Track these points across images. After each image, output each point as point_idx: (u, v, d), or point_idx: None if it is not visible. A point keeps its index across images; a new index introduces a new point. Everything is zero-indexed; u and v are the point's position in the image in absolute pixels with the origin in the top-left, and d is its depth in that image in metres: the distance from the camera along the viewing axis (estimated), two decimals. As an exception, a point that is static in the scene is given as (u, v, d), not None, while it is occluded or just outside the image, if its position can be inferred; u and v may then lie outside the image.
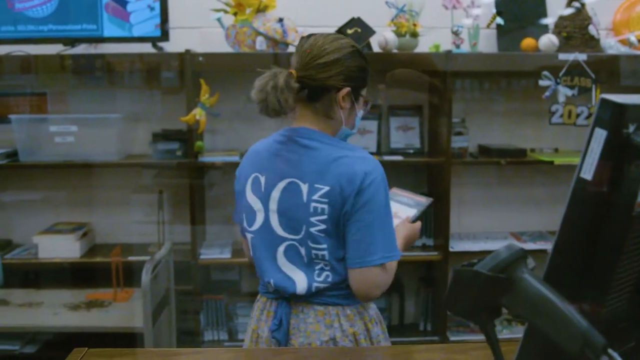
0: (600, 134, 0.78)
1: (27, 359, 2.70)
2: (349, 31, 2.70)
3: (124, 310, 2.52)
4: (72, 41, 2.83)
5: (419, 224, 1.66)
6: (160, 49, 2.83)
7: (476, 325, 0.82)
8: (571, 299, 0.82)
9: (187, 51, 2.72)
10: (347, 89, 1.47)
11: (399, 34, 2.74)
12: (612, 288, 0.83)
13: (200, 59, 2.71)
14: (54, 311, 2.51)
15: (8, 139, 2.90)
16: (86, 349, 1.27)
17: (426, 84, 2.97)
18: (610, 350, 0.71)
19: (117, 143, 2.86)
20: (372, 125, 2.98)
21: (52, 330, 2.54)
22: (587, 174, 0.79)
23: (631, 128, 0.77)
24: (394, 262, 1.45)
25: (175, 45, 2.82)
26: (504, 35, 2.88)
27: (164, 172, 2.98)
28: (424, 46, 2.80)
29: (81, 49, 2.89)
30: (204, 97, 2.71)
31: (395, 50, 2.75)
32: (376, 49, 2.76)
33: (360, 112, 1.56)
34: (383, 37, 2.70)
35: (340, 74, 1.45)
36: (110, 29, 2.80)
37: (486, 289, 0.79)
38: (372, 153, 2.85)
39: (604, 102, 0.77)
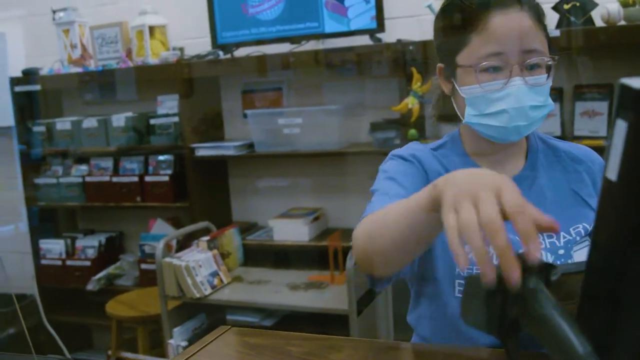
0: (621, 127, 0.66)
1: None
2: (566, 6, 2.50)
3: (338, 293, 2.65)
4: (298, 39, 3.04)
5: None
6: (378, 40, 2.90)
7: (495, 338, 0.75)
8: (608, 327, 0.71)
9: (399, 41, 2.76)
10: (438, 66, 1.25)
11: (625, 3, 2.45)
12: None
13: (411, 47, 2.73)
14: (276, 289, 2.74)
15: (248, 131, 3.23)
16: (230, 326, 1.39)
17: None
18: None
19: (339, 132, 3.00)
20: (602, 106, 2.71)
21: (270, 307, 2.77)
22: (612, 174, 0.68)
23: (661, 119, 0.64)
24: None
25: (392, 35, 2.87)
26: None
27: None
28: (657, 15, 2.47)
29: (310, 45, 3.09)
30: (415, 85, 2.72)
31: (622, 23, 2.47)
32: (599, 22, 2.51)
33: (471, 89, 1.15)
34: (605, 9, 2.44)
35: (435, 48, 1.27)
36: (330, 25, 2.94)
37: (493, 300, 0.72)
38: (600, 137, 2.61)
39: (623, 88, 0.65)
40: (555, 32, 2.49)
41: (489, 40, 1.13)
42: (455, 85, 1.20)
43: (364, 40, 2.91)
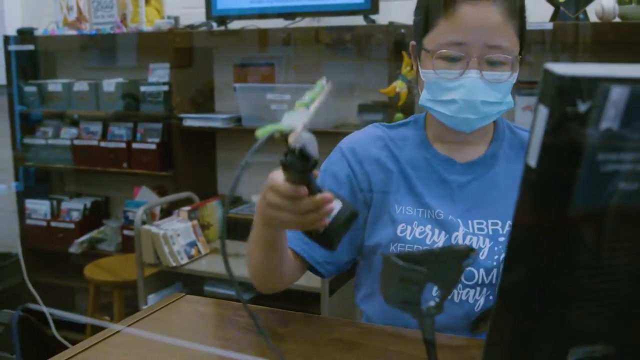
0: (543, 113, 0.65)
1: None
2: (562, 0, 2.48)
3: (313, 271, 2.65)
4: (292, 15, 3.02)
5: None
6: (372, 21, 2.89)
7: (414, 318, 0.75)
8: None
9: (391, 23, 2.74)
10: (411, 44, 1.25)
11: (622, 1, 2.43)
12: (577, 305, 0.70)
13: (402, 30, 2.71)
14: (245, 262, 2.74)
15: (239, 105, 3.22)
16: (184, 294, 1.39)
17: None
18: None
19: (327, 112, 2.99)
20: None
21: (244, 281, 2.76)
22: (532, 160, 0.68)
23: (582, 107, 0.63)
24: None
25: (386, 17, 2.85)
26: None
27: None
28: (651, 14, 2.44)
29: (305, 22, 3.07)
30: (405, 69, 2.70)
31: (617, 20, 2.45)
32: (593, 18, 2.49)
33: (428, 73, 1.15)
34: (600, 5, 2.42)
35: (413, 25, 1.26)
36: (326, 2, 2.92)
37: (409, 279, 0.72)
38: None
39: (546, 73, 0.64)
40: (548, 26, 2.47)
41: (453, 28, 1.12)
42: (419, 66, 1.21)
43: (358, 20, 2.89)
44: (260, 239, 1.10)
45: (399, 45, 2.73)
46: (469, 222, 1.20)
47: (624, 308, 0.72)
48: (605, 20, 2.44)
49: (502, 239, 1.18)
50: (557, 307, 0.71)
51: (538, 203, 0.67)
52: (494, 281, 1.18)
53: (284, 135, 0.90)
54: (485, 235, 1.19)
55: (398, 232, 1.21)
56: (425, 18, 1.17)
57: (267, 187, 0.98)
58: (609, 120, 0.61)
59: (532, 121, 0.66)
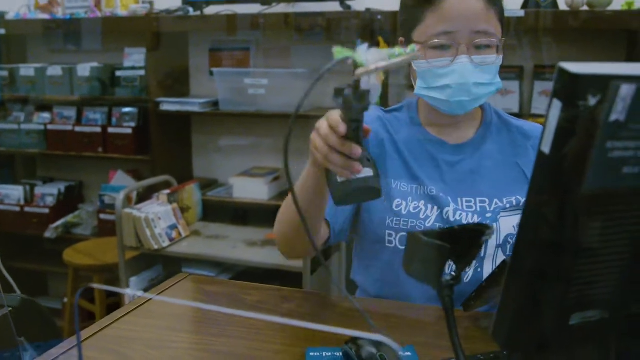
0: (557, 106, 0.73)
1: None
2: (532, -13, 2.57)
3: (293, 252, 2.72)
4: (269, 1, 3.06)
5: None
6: (348, 7, 2.94)
7: (434, 289, 0.83)
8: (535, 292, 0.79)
9: (368, 10, 2.81)
10: (399, 40, 1.32)
11: (589, -10, 2.54)
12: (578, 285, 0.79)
13: (379, 17, 2.78)
14: (233, 245, 2.81)
15: (213, 89, 3.25)
16: (188, 274, 1.45)
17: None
18: None
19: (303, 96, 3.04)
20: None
21: (226, 262, 2.84)
22: (546, 147, 0.76)
23: (592, 100, 0.72)
24: None
25: (362, 3, 2.91)
26: None
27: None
28: (617, 4, 2.56)
29: (280, 7, 3.11)
30: (381, 54, 2.77)
31: (585, 8, 2.56)
32: (563, 6, 2.59)
33: (421, 63, 1.23)
34: (570, -7, 2.52)
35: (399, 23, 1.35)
36: (301, -12, 2.97)
37: (431, 255, 0.79)
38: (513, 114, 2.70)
39: (560, 71, 0.73)
40: (520, 13, 2.57)
41: (441, 19, 1.21)
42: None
43: (334, 6, 2.95)
44: (310, 179, 1.18)
45: (375, 31, 2.79)
46: (459, 199, 1.29)
47: (622, 278, 0.81)
48: (574, 9, 2.54)
49: (489, 214, 1.28)
50: (563, 277, 0.80)
51: (550, 185, 0.75)
52: (482, 255, 1.27)
53: (356, 66, 0.92)
54: (474, 212, 1.28)
55: (394, 207, 1.30)
56: (412, 13, 1.26)
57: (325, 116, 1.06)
58: (618, 113, 0.70)
59: (546, 112, 0.74)
